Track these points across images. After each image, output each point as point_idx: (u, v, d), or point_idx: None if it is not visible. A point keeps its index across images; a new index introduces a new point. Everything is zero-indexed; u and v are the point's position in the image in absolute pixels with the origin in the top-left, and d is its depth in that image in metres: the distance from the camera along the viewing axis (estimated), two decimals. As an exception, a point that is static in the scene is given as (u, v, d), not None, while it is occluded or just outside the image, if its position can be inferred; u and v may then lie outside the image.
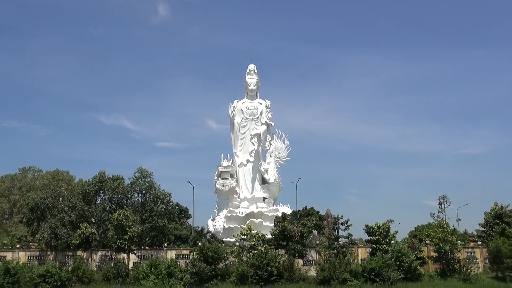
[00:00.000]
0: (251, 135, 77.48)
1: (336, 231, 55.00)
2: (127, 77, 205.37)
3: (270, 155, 78.47)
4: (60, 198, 64.18)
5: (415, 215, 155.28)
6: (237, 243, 55.17)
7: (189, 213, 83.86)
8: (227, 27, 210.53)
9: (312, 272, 52.35)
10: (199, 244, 54.02)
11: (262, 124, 78.65)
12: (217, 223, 73.24)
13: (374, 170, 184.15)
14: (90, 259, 57.05)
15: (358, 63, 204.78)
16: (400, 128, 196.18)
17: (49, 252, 58.39)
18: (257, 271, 48.07)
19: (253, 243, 51.91)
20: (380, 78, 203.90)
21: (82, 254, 56.99)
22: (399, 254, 50.68)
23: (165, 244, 61.79)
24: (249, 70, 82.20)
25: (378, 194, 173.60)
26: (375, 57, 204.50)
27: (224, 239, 65.94)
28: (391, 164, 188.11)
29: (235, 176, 76.85)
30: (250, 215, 70.66)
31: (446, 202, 73.67)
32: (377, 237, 54.12)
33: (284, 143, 79.39)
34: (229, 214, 71.69)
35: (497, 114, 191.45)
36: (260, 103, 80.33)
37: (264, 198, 76.45)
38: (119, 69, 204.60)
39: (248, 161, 77.91)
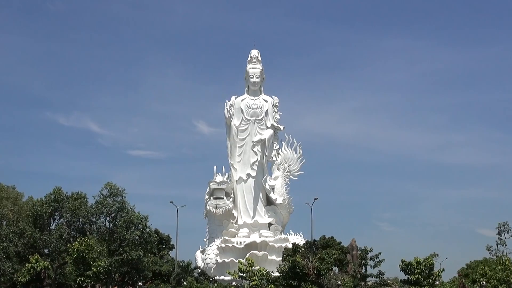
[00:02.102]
0: (253, 141, 77.39)
1: (364, 268, 54.78)
2: (93, 66, 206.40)
3: (278, 168, 78.29)
4: (4, 222, 63.86)
5: (467, 248, 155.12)
6: (233, 283, 54.84)
7: (171, 242, 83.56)
8: (222, 2, 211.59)
9: (332, 321, 51.94)
10: (185, 283, 53.78)
11: (267, 127, 78.57)
12: (208, 256, 72.95)
13: (413, 189, 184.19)
14: (42, 302, 56.81)
15: (393, 50, 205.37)
16: (446, 134, 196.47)
17: (-12, 293, 58.10)
18: (260, 319, 47.61)
19: (254, 282, 51.68)
20: (421, 69, 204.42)
21: (32, 296, 56.62)
22: (446, 299, 50.28)
23: (140, 283, 61.48)
24: (251, 57, 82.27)
25: (418, 220, 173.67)
26: (415, 42, 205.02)
27: (217, 277, 65.66)
28: (435, 181, 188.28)
29: (232, 195, 76.65)
30: (251, 246, 70.40)
31: (508, 232, 73.51)
32: (417, 276, 53.76)
33: (296, 153, 79.25)
34: (223, 245, 71.43)
35: None
36: (266, 101, 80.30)
37: (270, 224, 76.23)
38: (83, 55, 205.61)
39: (249, 175, 77.76)
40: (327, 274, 55.98)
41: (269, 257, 68.96)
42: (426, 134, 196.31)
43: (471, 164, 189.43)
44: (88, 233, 62.63)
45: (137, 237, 63.66)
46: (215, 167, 77.01)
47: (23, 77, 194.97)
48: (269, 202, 77.67)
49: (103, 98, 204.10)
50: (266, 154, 77.58)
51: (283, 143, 79.82)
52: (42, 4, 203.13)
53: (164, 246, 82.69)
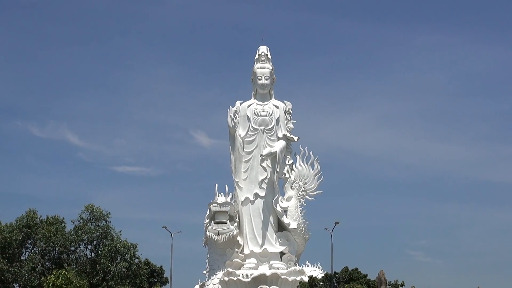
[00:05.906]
0: (261, 155, 77.31)
1: (394, 305, 54.69)
2: (72, 66, 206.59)
3: (292, 187, 78.14)
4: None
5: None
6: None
7: (164, 275, 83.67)
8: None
9: None
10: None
11: (279, 138, 78.52)
12: (208, 292, 72.92)
13: (453, 212, 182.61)
14: None
15: (427, 47, 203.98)
16: (493, 147, 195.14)
17: None
18: None
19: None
20: (461, 69, 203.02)
21: None
22: None
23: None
24: (259, 55, 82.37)
25: (459, 249, 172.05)
26: (454, 38, 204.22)
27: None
28: (479, 202, 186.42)
29: (237, 219, 76.56)
30: (260, 279, 70.27)
31: None
32: (458, 315, 53.75)
33: (312, 169, 79.07)
34: (226, 278, 71.34)
35: None
36: (276, 106, 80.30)
37: (282, 254, 76.08)
38: (60, 54, 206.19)
39: (257, 195, 77.58)
40: (351, 313, 56.08)
41: (281, 293, 68.91)
42: (468, 146, 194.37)
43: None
44: (65, 264, 62.84)
45: (124, 269, 63.91)
46: (216, 185, 76.93)
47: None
48: (281, 227, 77.41)
49: (83, 104, 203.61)
50: (277, 170, 77.36)
51: (298, 157, 79.63)
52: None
53: (156, 279, 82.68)
